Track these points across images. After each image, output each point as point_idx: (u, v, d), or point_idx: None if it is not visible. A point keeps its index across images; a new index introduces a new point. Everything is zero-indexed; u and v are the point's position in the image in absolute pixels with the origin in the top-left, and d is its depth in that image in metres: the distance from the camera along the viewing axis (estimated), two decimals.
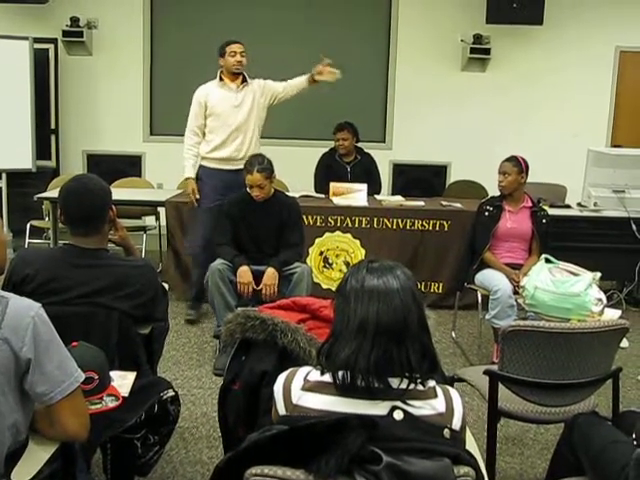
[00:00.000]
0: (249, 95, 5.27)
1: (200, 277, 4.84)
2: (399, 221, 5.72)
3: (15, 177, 7.16)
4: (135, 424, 2.49)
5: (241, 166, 4.84)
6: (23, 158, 7.07)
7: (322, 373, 1.76)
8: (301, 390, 1.76)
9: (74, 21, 7.62)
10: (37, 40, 7.24)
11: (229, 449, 2.58)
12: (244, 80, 5.28)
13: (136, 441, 2.55)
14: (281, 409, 1.77)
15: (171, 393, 2.68)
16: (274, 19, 7.85)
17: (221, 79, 5.28)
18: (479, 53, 7.75)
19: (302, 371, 1.81)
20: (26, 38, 7.01)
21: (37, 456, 1.97)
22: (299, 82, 5.41)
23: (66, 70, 7.84)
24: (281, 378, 1.82)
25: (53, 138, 7.82)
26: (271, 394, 1.85)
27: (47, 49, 7.64)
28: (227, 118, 5.23)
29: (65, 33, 7.63)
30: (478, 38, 7.70)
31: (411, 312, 1.73)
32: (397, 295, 1.73)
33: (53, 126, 7.81)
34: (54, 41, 7.65)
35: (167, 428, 2.70)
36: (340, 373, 1.71)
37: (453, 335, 5.19)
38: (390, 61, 7.98)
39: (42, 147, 7.47)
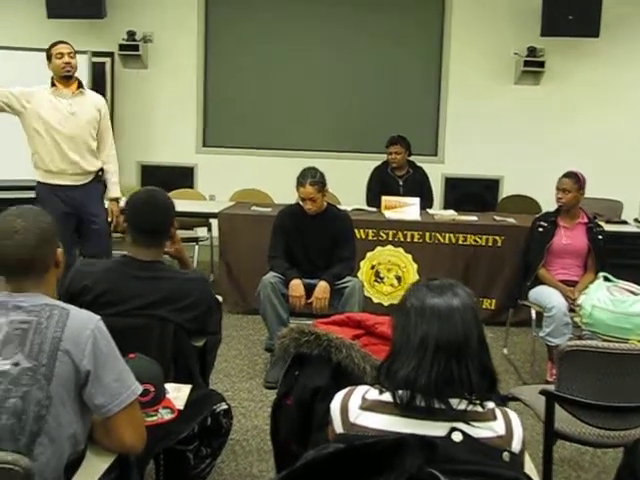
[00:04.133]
0: (87, 105, 4.78)
1: None
2: (451, 236, 5.67)
3: None
4: (188, 436, 2.51)
5: (78, 182, 4.67)
6: None
7: (380, 392, 1.75)
8: (359, 409, 1.74)
9: (130, 35, 7.77)
10: (95, 54, 7.42)
11: (280, 463, 2.59)
12: (80, 86, 4.80)
13: (189, 453, 2.57)
14: (338, 427, 1.76)
15: (224, 406, 2.70)
16: (329, 34, 7.94)
17: (53, 84, 4.72)
18: (533, 66, 7.64)
19: (360, 390, 1.80)
20: (85, 52, 7.15)
21: (95, 466, 2.00)
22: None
23: (122, 83, 7.98)
24: (339, 396, 1.81)
25: None
26: (325, 410, 1.84)
27: (104, 62, 7.78)
28: (57, 126, 4.66)
29: (122, 47, 7.79)
30: (532, 51, 7.59)
31: (471, 330, 1.72)
32: (458, 313, 1.72)
33: None
34: (111, 55, 7.81)
35: (219, 440, 2.72)
36: (400, 392, 1.69)
37: (505, 352, 5.10)
38: (442, 73, 7.92)
39: None
